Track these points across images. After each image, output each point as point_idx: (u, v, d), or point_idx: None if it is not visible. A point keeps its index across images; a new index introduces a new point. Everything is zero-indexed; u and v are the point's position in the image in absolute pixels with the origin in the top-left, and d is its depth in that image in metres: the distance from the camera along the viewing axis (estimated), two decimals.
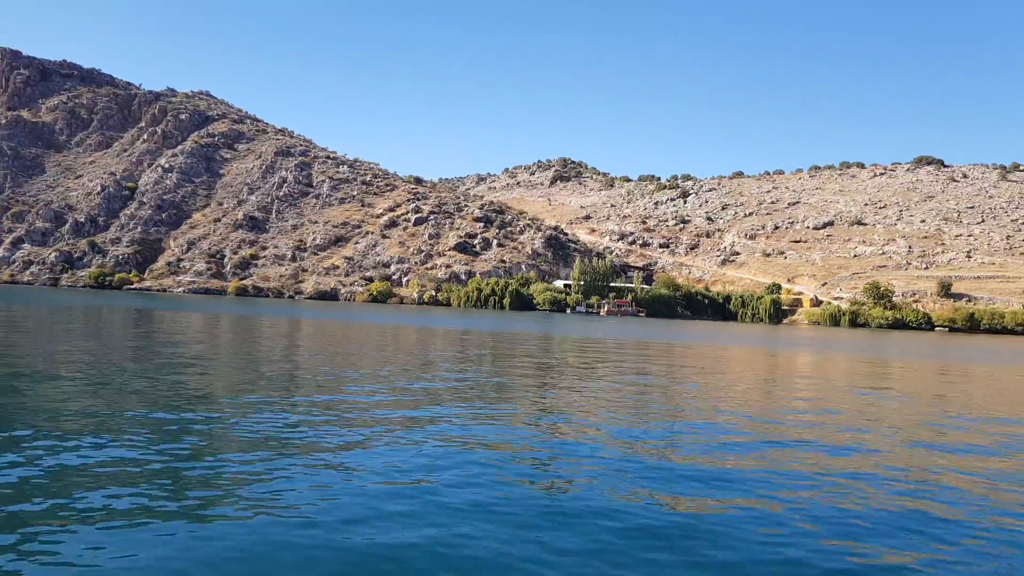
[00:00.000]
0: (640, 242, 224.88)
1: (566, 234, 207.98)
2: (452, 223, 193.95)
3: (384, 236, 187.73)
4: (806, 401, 18.27)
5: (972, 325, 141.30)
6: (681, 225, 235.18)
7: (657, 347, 40.18)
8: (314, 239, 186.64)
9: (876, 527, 7.38)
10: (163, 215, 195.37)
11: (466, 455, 9.58)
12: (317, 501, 7.24)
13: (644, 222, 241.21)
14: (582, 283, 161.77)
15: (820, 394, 20.09)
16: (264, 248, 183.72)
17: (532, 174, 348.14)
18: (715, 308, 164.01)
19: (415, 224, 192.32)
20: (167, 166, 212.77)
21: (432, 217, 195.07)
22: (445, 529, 6.60)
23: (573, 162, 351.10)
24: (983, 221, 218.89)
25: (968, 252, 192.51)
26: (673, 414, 14.55)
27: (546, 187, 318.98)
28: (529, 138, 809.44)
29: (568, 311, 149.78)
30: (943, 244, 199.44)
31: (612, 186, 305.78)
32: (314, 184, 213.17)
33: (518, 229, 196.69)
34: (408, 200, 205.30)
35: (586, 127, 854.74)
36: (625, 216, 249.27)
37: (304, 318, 58.05)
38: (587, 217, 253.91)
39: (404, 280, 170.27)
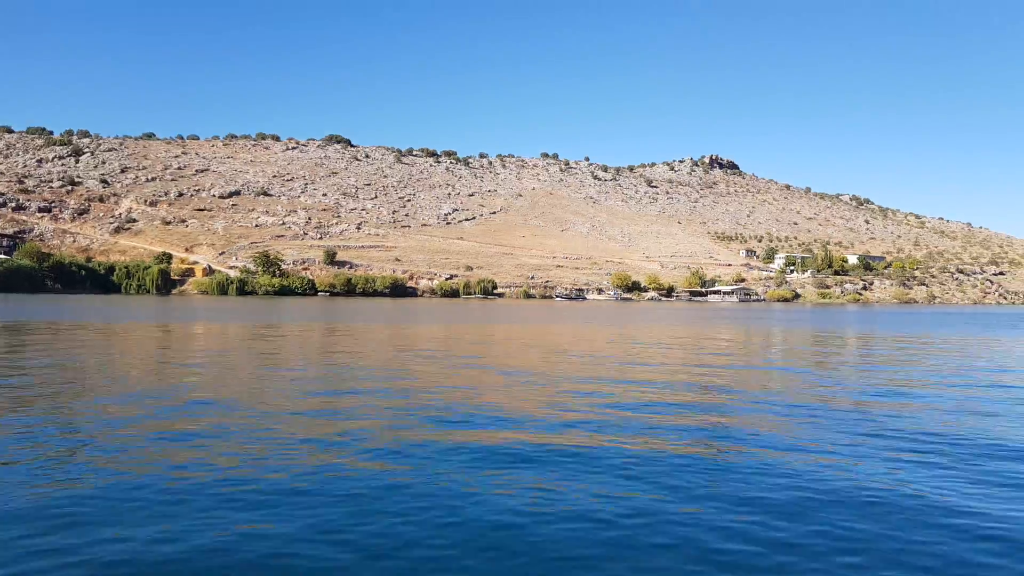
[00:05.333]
0: (14, 205, 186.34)
1: None
2: None
3: None
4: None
5: (350, 289, 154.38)
6: (69, 187, 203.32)
7: None
8: None
9: None
10: None
11: None
12: None
13: (22, 181, 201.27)
14: None
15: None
16: None
17: None
18: (95, 280, 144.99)
19: None
20: None
21: None
22: None
23: None
24: (376, 197, 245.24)
25: (359, 224, 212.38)
26: None
27: None
28: None
29: None
30: (339, 216, 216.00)
31: None
32: None
33: None
34: None
35: None
36: None
37: None
38: None
39: None
